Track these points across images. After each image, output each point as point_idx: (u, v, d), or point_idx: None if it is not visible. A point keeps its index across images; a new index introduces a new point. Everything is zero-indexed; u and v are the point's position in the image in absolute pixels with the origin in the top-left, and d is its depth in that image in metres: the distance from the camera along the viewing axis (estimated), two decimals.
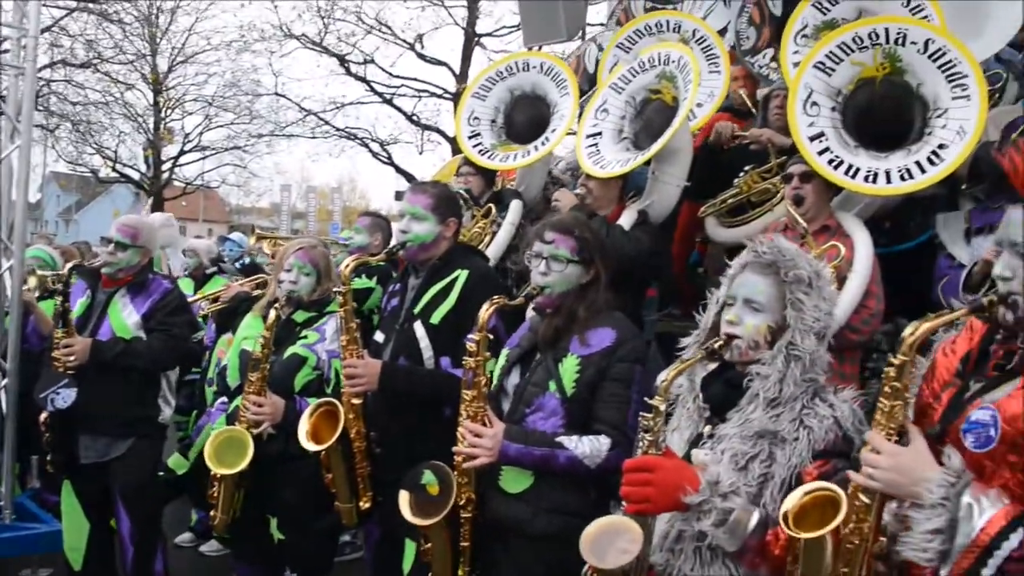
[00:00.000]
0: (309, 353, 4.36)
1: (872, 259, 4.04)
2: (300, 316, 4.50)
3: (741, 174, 5.06)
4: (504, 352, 3.44)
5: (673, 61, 4.88)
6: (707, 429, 2.61)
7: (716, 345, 2.59)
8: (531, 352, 3.34)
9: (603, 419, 3.10)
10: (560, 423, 3.14)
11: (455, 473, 3.27)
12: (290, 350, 4.37)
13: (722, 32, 6.22)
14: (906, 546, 2.01)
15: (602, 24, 12.31)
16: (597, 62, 6.81)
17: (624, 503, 2.44)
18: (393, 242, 4.50)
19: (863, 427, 2.42)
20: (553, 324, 3.25)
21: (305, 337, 4.41)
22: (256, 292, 5.98)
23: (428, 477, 3.32)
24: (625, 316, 3.37)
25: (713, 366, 2.73)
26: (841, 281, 3.91)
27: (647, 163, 4.78)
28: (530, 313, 3.57)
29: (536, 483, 3.15)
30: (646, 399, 2.51)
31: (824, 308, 2.58)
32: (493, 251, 5.18)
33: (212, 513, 4.35)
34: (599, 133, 4.98)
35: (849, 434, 2.43)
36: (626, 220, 4.63)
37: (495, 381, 3.33)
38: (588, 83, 6.62)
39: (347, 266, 3.88)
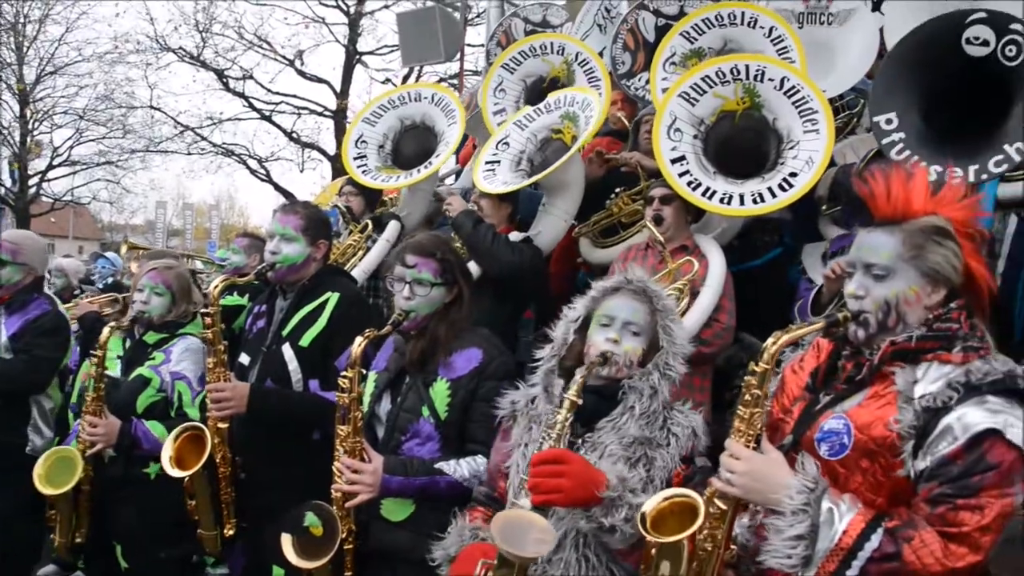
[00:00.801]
0: (153, 374, 4.23)
1: (725, 276, 4.23)
2: (151, 337, 4.37)
3: (612, 196, 5.19)
4: (372, 376, 3.42)
5: (577, 102, 5.02)
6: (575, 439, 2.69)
7: (599, 360, 2.69)
8: (400, 376, 3.34)
9: (478, 439, 3.13)
10: (437, 447, 3.16)
11: (335, 509, 3.21)
12: (137, 371, 4.25)
13: (601, 56, 6.38)
14: (768, 554, 2.11)
15: (482, 45, 12.41)
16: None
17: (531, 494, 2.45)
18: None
19: (707, 440, 2.65)
20: (419, 346, 3.26)
21: (153, 358, 4.30)
22: (107, 311, 5.80)
23: (311, 519, 3.23)
24: (492, 333, 3.42)
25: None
26: (694, 295, 4.10)
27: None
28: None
29: (417, 509, 3.16)
30: (562, 394, 2.60)
31: (684, 337, 2.80)
32: (365, 266, 5.19)
33: (52, 536, 4.22)
34: (497, 161, 5.06)
35: (703, 443, 2.64)
36: (513, 238, 4.75)
37: (365, 408, 3.31)
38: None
39: (215, 287, 3.81)
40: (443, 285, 3.29)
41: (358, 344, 3.15)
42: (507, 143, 5.10)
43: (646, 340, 2.75)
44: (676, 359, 2.72)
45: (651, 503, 2.29)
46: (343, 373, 3.16)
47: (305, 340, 3.78)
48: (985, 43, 3.76)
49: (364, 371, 3.30)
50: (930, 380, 2.11)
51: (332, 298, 3.83)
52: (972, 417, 2.01)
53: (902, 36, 4.07)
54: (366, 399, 3.32)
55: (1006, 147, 3.64)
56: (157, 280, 4.38)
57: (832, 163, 4.93)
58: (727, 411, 2.59)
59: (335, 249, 5.31)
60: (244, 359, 3.97)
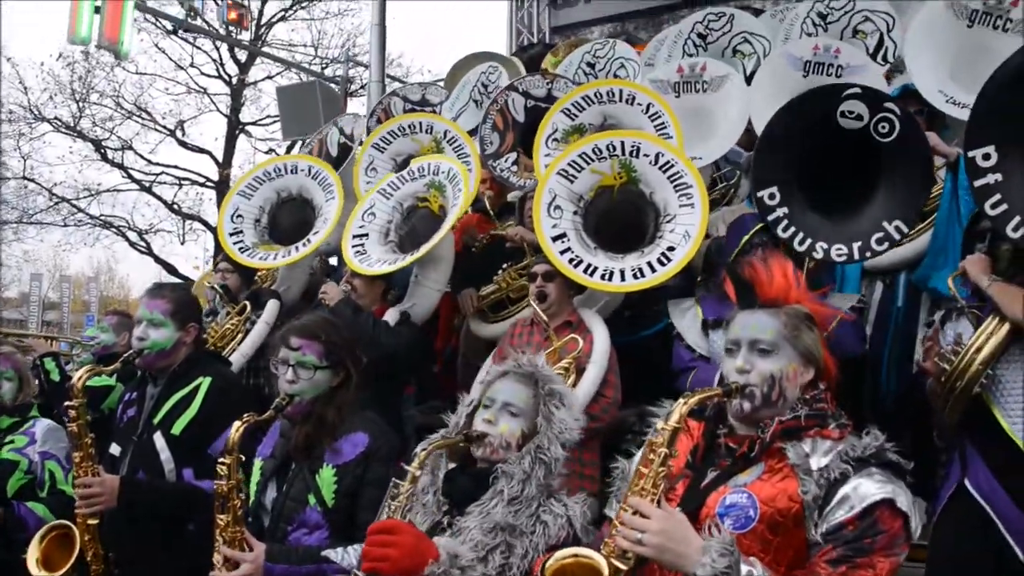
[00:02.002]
0: (19, 457, 4.17)
1: (609, 351, 4.26)
2: (4, 422, 4.32)
3: (500, 271, 5.22)
4: (257, 464, 3.32)
5: (443, 172, 5.07)
6: (447, 520, 2.68)
7: (474, 435, 2.70)
8: (286, 462, 3.24)
9: (367, 525, 3.00)
10: (325, 536, 3.08)
11: None
12: None
13: (474, 132, 6.46)
14: None
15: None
16: (339, 145, 6.90)
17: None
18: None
19: (591, 528, 2.62)
20: (304, 432, 3.18)
21: (12, 442, 4.23)
22: None
23: None
24: (379, 415, 3.37)
25: (452, 465, 2.82)
26: (580, 372, 4.11)
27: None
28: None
29: None
30: (402, 464, 2.62)
31: (570, 424, 2.75)
32: (245, 349, 5.09)
33: None
34: (366, 234, 5.04)
35: (578, 533, 2.58)
36: (390, 319, 4.75)
37: (252, 497, 3.21)
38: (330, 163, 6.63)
39: (79, 379, 3.65)
40: (328, 368, 3.23)
41: (236, 429, 3.03)
42: (373, 213, 5.11)
43: (527, 422, 2.73)
44: (554, 444, 2.68)
45: (555, 557, 2.25)
46: (221, 459, 3.03)
47: (177, 428, 3.65)
48: (859, 117, 3.93)
49: (243, 457, 3.15)
50: (820, 453, 2.26)
51: (204, 383, 3.72)
52: (866, 488, 2.16)
53: (778, 109, 4.22)
54: (252, 487, 3.23)
55: (885, 224, 3.83)
56: (6, 365, 4.38)
57: (707, 235, 5.06)
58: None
59: (213, 332, 5.24)
60: (115, 449, 3.82)
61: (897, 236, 3.81)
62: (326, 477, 3.10)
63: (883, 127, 3.88)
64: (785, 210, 4.01)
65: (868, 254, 3.87)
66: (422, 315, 4.96)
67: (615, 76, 7.01)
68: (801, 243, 3.95)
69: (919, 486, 4.34)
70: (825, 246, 3.90)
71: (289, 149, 19.31)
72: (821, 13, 6.32)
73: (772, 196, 4.03)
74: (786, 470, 2.26)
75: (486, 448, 2.70)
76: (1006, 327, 3.31)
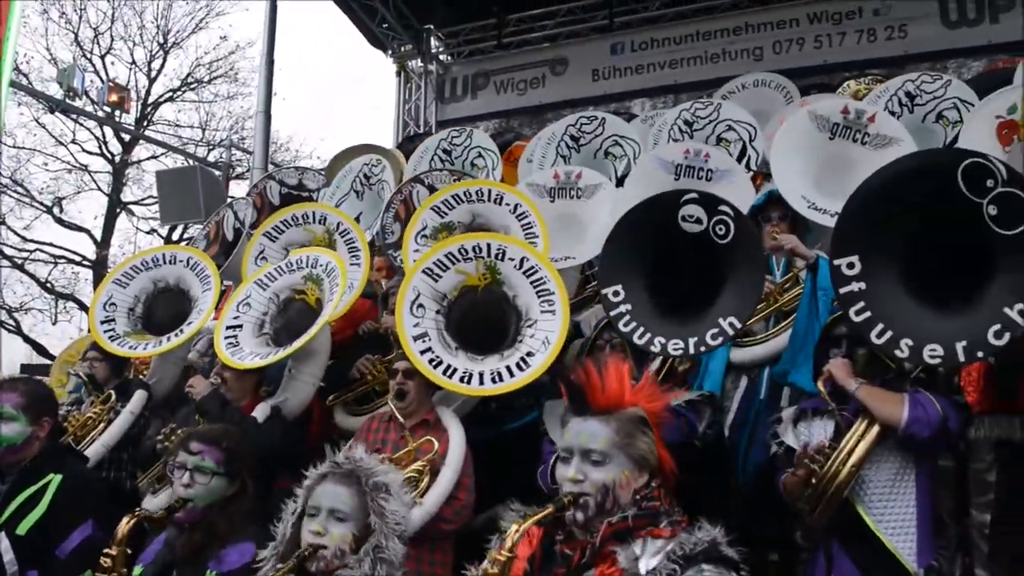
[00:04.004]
0: None
1: (464, 453, 4.26)
2: None
3: (369, 364, 5.18)
4: (137, 570, 3.19)
5: (321, 265, 5.04)
6: None
7: (306, 553, 2.64)
8: (166, 571, 3.14)
9: None
10: None
11: None
12: None
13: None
14: None
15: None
16: (235, 229, 6.88)
17: None
18: None
19: None
20: (194, 539, 3.11)
21: None
22: None
23: None
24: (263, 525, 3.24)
25: None
26: (435, 473, 4.10)
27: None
28: None
29: None
30: None
31: (402, 512, 2.76)
32: (106, 439, 4.93)
33: None
34: (240, 325, 4.96)
35: None
36: (260, 414, 4.63)
37: None
38: (225, 253, 6.59)
39: None
40: (225, 476, 3.20)
41: (126, 522, 3.00)
42: (248, 304, 5.05)
43: (356, 524, 2.71)
44: (392, 539, 2.67)
45: None
46: (106, 551, 3.00)
47: (23, 527, 3.49)
48: (699, 221, 4.14)
49: (129, 551, 3.10)
50: (650, 554, 2.27)
51: (54, 480, 3.59)
52: None
53: (624, 213, 4.42)
54: None
55: (720, 321, 3.98)
56: None
57: (580, 333, 5.19)
58: None
59: (74, 421, 5.05)
60: None
61: (730, 331, 3.94)
62: None
63: (720, 229, 4.09)
64: (628, 307, 4.16)
65: (703, 348, 4.00)
66: (295, 409, 4.87)
67: (472, 164, 7.25)
68: (640, 337, 4.08)
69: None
70: (663, 340, 4.03)
71: (171, 232, 18.98)
72: (687, 120, 6.68)
73: (616, 293, 4.20)
74: (617, 574, 2.27)
75: (319, 562, 2.64)
76: (875, 429, 3.48)
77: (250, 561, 3.03)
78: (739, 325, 3.98)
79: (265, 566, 2.74)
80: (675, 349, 4.04)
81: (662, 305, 4.19)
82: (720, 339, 3.97)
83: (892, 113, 5.83)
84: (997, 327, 3.30)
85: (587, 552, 2.33)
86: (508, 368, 4.35)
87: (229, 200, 8.21)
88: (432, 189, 6.10)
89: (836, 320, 3.87)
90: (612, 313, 4.18)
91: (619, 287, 4.20)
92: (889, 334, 3.50)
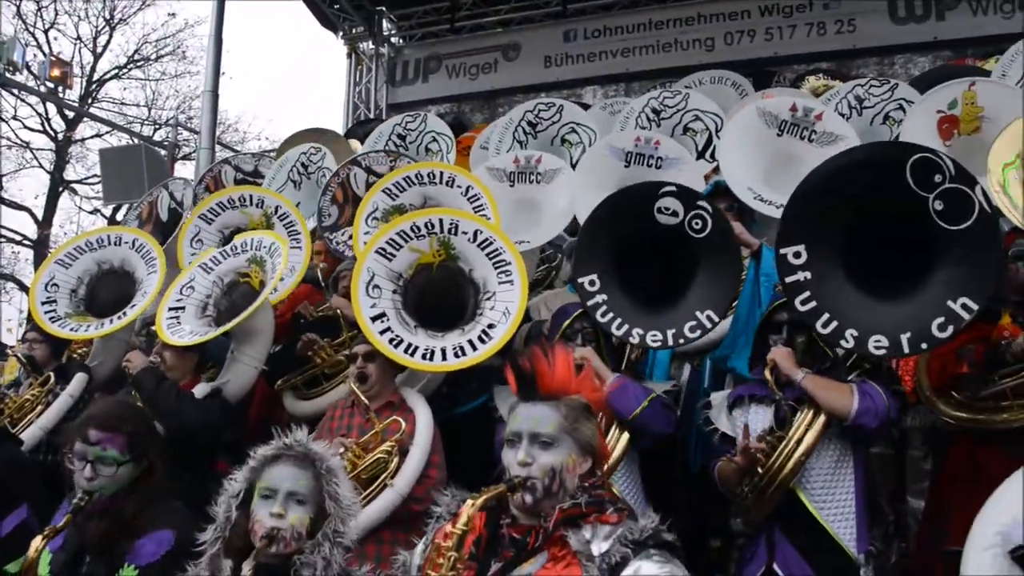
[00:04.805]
0: None
1: (433, 431, 4.22)
2: None
3: (315, 347, 5.13)
4: (45, 556, 3.05)
5: (265, 246, 4.97)
6: None
7: (274, 534, 2.58)
8: (78, 557, 3.03)
9: None
10: None
11: None
12: None
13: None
14: None
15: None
16: (169, 210, 6.79)
17: None
18: None
19: None
20: (102, 527, 3.00)
21: None
22: None
23: None
24: (183, 505, 3.20)
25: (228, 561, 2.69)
26: (404, 454, 4.06)
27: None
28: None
29: None
30: None
31: (352, 496, 2.73)
32: (43, 422, 4.80)
33: None
34: (182, 308, 4.88)
35: None
36: (198, 392, 4.53)
37: None
38: (160, 234, 6.47)
39: None
40: (131, 462, 3.09)
41: (34, 549, 2.86)
42: (192, 287, 4.97)
43: (313, 508, 2.66)
44: (347, 523, 2.66)
45: None
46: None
47: None
48: (675, 214, 4.16)
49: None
50: (600, 539, 2.28)
51: None
52: (646, 570, 2.18)
53: (600, 202, 4.41)
54: None
55: (698, 314, 4.02)
56: None
57: (528, 317, 5.19)
58: None
59: (10, 403, 4.95)
60: None
61: (708, 325, 3.99)
62: None
63: (697, 223, 4.12)
64: (604, 297, 4.16)
65: (681, 341, 4.05)
66: (237, 392, 4.76)
67: (426, 149, 7.24)
68: (618, 328, 4.10)
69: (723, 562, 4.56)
70: (641, 332, 4.06)
71: (115, 212, 18.63)
72: (655, 108, 6.74)
73: (592, 283, 4.19)
74: (569, 557, 2.28)
75: (280, 543, 2.59)
76: (822, 419, 3.50)
77: (170, 550, 2.95)
78: (717, 319, 4.02)
79: (210, 549, 2.66)
80: (654, 341, 4.07)
81: (635, 296, 4.21)
82: (698, 332, 4.01)
83: (842, 116, 5.93)
84: (941, 320, 3.37)
85: (539, 536, 2.34)
86: (470, 342, 4.35)
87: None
88: (369, 171, 6.10)
89: (778, 307, 3.89)
90: (588, 303, 4.18)
91: (594, 276, 4.20)
92: (835, 324, 3.56)
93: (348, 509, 2.68)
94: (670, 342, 4.06)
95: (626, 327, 4.09)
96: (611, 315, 4.13)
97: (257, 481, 2.68)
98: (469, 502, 2.30)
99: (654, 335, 4.06)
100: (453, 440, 4.42)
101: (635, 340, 4.09)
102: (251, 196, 5.94)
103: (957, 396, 3.97)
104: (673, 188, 4.20)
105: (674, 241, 4.15)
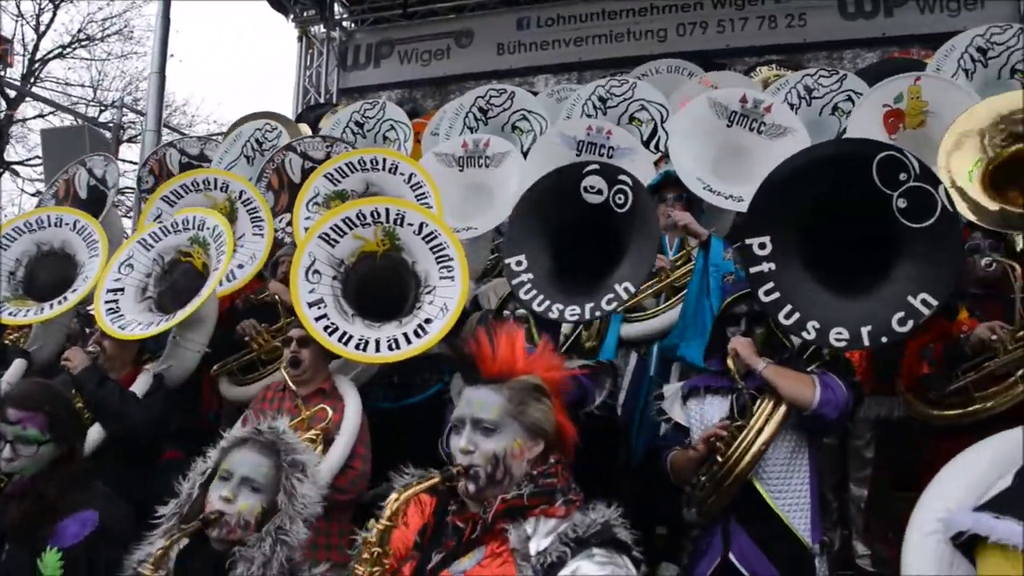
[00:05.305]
0: None
1: (360, 422, 4.19)
2: None
3: (253, 332, 5.04)
4: None
5: (208, 228, 4.87)
6: None
7: (211, 518, 2.52)
8: None
9: None
10: None
11: None
12: None
13: None
14: None
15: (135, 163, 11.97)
16: (89, 187, 6.61)
17: None
18: None
19: None
20: (22, 510, 2.92)
21: None
22: None
23: None
24: (106, 488, 3.14)
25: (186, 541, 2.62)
26: (329, 443, 4.02)
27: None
28: None
29: None
30: None
31: (313, 498, 2.64)
32: None
33: None
34: (121, 289, 4.76)
35: None
36: (140, 385, 4.45)
37: None
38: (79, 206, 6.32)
39: None
40: (52, 442, 3.00)
41: None
42: (131, 265, 4.86)
43: (267, 498, 2.59)
44: (296, 522, 2.56)
45: None
46: None
47: None
48: (599, 192, 4.17)
49: None
50: (542, 535, 2.18)
51: None
52: (586, 570, 2.07)
53: (529, 185, 4.43)
54: None
55: (616, 287, 3.99)
56: None
57: (477, 306, 5.17)
58: None
59: None
60: None
61: (625, 296, 3.97)
62: (50, 562, 2.83)
63: (619, 199, 4.13)
64: (530, 276, 4.17)
65: (598, 313, 4.02)
66: (178, 377, 4.72)
67: (384, 137, 7.15)
68: (539, 305, 4.09)
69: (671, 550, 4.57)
70: (560, 307, 4.05)
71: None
72: (601, 97, 6.73)
73: (519, 263, 4.21)
74: (506, 555, 2.18)
75: (223, 528, 2.52)
76: (782, 409, 3.50)
77: (94, 531, 2.90)
78: (633, 290, 4.00)
79: (166, 524, 2.59)
80: (571, 315, 4.05)
81: (564, 275, 4.20)
82: (614, 304, 3.99)
83: (791, 105, 5.98)
84: (901, 314, 3.42)
85: (478, 527, 2.25)
86: (405, 335, 4.30)
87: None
88: (305, 157, 6.02)
89: (737, 298, 3.88)
90: (514, 282, 4.18)
91: (522, 257, 4.21)
92: (797, 316, 3.58)
93: (302, 509, 2.58)
94: (587, 315, 4.03)
95: (547, 303, 4.09)
96: (534, 292, 4.13)
97: (223, 461, 2.63)
98: (394, 496, 2.21)
99: (572, 310, 4.05)
100: (407, 429, 4.41)
101: (554, 315, 4.08)
102: (216, 179, 5.79)
103: (928, 396, 4.08)
104: (596, 166, 4.23)
105: (600, 219, 4.16)
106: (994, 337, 3.88)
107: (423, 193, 5.15)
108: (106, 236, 5.32)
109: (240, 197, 5.62)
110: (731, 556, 3.46)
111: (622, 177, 4.13)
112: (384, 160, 5.32)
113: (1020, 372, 3.82)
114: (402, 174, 5.25)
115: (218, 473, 2.62)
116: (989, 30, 6.06)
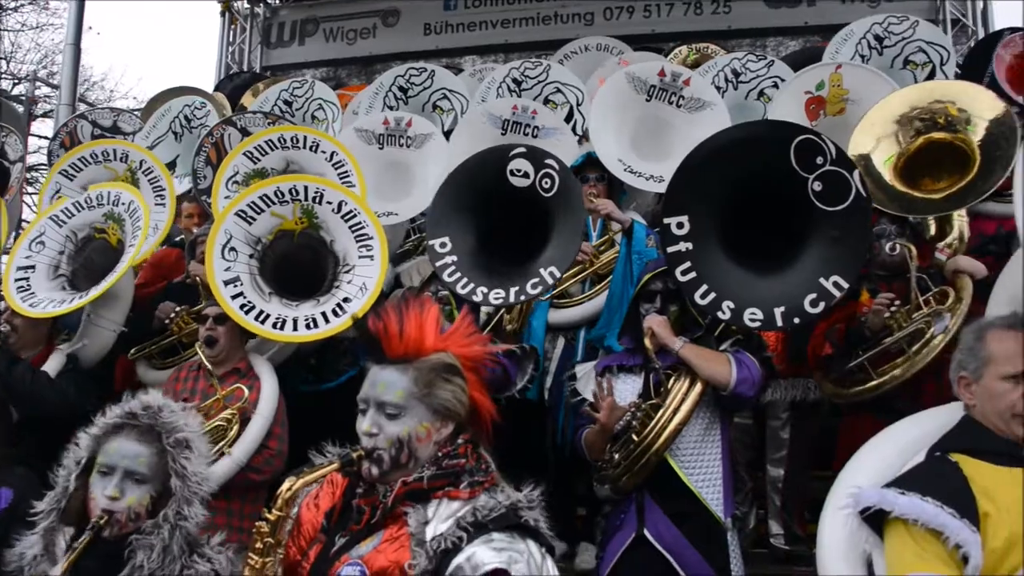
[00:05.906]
0: None
1: (277, 402, 4.14)
2: None
3: (172, 315, 4.91)
4: None
5: (123, 203, 4.73)
6: None
7: (101, 522, 2.42)
8: None
9: None
10: None
11: None
12: None
13: (171, 166, 6.19)
14: None
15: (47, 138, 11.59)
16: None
17: None
18: None
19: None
20: None
21: None
22: None
23: None
24: (26, 471, 3.11)
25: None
26: (244, 422, 3.97)
27: None
28: None
29: None
30: None
31: (204, 473, 2.56)
32: None
33: None
34: (32, 267, 4.61)
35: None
36: (53, 365, 4.35)
37: None
38: None
39: None
40: None
41: None
42: (42, 242, 4.71)
43: (155, 486, 2.50)
44: (194, 504, 2.49)
45: None
46: None
47: None
48: (526, 175, 4.15)
49: None
50: (442, 518, 2.13)
51: None
52: (481, 556, 2.02)
53: (455, 167, 4.38)
54: None
55: (541, 271, 3.99)
56: None
57: (399, 283, 5.12)
58: None
59: None
60: None
61: (550, 280, 3.97)
62: None
63: (546, 183, 4.12)
64: (454, 258, 4.14)
65: (523, 297, 4.01)
66: (93, 357, 4.59)
67: (312, 116, 7.03)
68: (463, 288, 4.07)
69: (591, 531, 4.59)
70: (484, 290, 4.03)
71: None
72: (516, 79, 6.68)
73: (443, 245, 4.17)
74: (404, 538, 2.13)
75: (114, 527, 2.44)
76: (698, 387, 3.53)
77: (7, 507, 2.88)
78: (559, 274, 4.00)
79: (43, 521, 2.50)
80: (496, 298, 4.03)
81: (489, 258, 4.18)
82: (540, 288, 3.97)
83: (718, 88, 6.01)
84: (813, 296, 3.51)
85: (379, 511, 2.20)
86: (323, 314, 4.25)
87: None
88: (245, 132, 5.86)
89: (653, 276, 3.90)
90: (437, 264, 4.15)
91: (446, 239, 4.17)
92: (713, 296, 3.63)
93: (196, 488, 2.51)
94: (512, 299, 4.02)
95: (471, 286, 4.06)
96: (458, 275, 4.10)
97: (99, 451, 2.52)
98: (286, 484, 2.15)
99: (497, 293, 4.03)
100: (327, 413, 4.32)
101: (478, 298, 4.05)
102: (115, 150, 5.61)
103: (832, 375, 4.22)
104: (523, 149, 4.20)
105: (526, 203, 4.14)
106: (886, 314, 4.01)
107: (345, 172, 5.06)
108: (7, 214, 5.14)
109: (141, 167, 5.47)
110: (645, 531, 3.49)
111: (549, 161, 4.12)
112: (305, 138, 5.19)
113: (913, 348, 3.96)
114: (323, 152, 5.14)
115: (96, 467, 2.50)
116: (887, 19, 6.26)
